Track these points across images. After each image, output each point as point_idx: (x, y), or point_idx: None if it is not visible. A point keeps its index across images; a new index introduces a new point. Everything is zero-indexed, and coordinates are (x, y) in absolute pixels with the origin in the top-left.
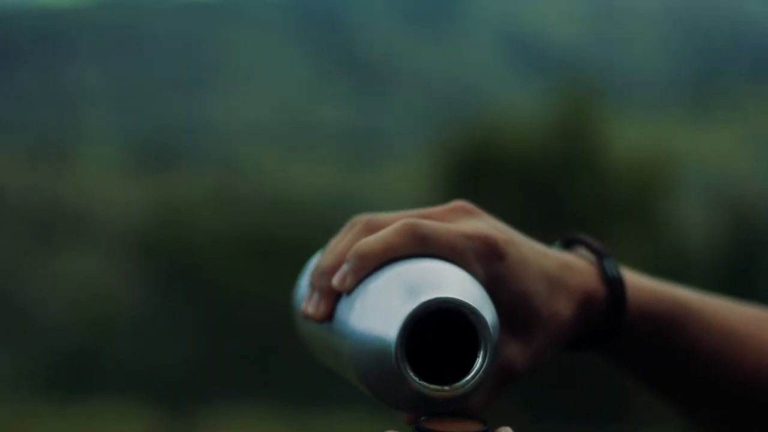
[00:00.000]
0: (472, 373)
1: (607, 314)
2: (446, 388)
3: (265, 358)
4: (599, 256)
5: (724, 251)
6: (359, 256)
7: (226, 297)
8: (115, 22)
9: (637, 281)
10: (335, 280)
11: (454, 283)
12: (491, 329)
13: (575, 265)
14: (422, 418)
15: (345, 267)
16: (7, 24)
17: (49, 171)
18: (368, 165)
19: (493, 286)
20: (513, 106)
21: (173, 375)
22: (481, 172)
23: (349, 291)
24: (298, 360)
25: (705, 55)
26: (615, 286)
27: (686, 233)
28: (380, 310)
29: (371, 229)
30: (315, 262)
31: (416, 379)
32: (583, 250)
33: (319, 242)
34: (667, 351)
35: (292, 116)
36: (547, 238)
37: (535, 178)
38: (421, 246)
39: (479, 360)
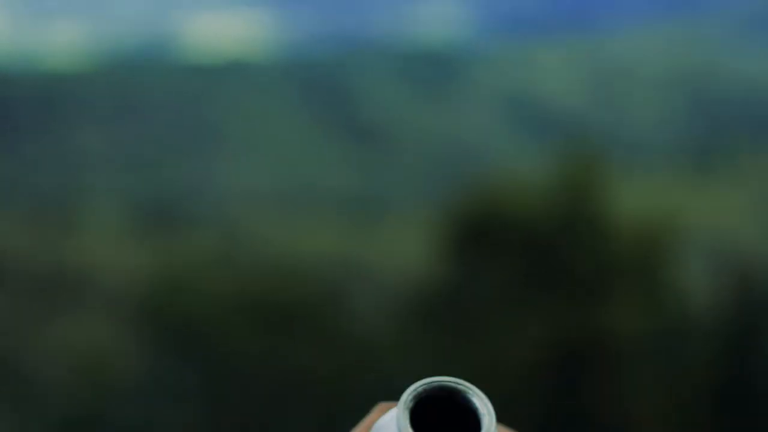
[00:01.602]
0: None
1: None
2: None
3: (267, 425)
4: None
5: (727, 315)
6: None
7: (228, 362)
8: (116, 86)
9: None
10: None
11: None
12: (490, 405)
13: None
14: None
15: None
16: (8, 88)
17: (51, 235)
18: (371, 229)
19: None
20: (516, 168)
21: None
22: (484, 234)
23: None
24: (300, 427)
25: (708, 118)
26: None
27: (690, 297)
28: None
29: None
30: None
31: None
32: None
33: (322, 307)
34: None
35: (294, 180)
36: (550, 301)
37: (538, 240)
38: None
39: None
